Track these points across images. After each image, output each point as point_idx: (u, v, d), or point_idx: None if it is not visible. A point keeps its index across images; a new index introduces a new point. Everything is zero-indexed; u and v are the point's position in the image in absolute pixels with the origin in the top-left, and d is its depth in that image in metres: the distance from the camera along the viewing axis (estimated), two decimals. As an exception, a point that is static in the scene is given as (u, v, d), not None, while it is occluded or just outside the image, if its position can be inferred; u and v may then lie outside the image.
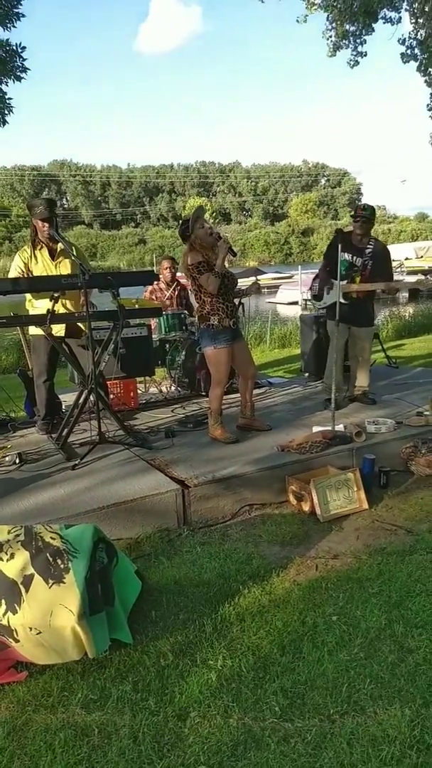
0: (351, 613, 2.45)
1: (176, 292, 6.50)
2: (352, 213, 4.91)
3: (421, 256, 27.36)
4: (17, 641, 2.18)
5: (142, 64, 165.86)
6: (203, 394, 5.61)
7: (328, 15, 9.76)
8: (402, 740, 1.78)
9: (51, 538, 2.34)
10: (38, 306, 4.33)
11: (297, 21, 9.77)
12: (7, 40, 7.79)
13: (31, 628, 2.16)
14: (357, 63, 10.34)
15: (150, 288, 6.38)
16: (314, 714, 1.92)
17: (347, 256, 4.73)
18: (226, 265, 4.08)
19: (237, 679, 2.10)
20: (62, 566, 2.26)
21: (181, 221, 4.22)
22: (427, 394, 5.20)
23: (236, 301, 4.33)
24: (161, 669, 2.18)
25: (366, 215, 4.77)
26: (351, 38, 10.09)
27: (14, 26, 7.76)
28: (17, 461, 3.98)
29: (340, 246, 4.26)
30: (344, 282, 4.69)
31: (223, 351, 4.07)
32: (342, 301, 4.67)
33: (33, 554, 2.29)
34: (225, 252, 3.96)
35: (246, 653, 2.24)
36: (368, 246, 4.79)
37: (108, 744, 1.84)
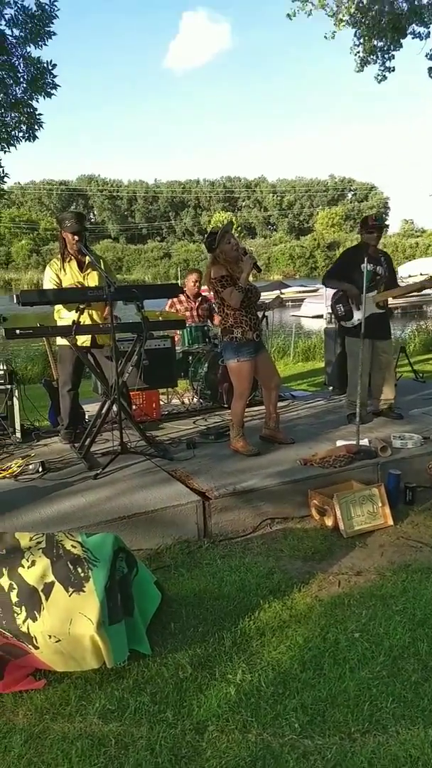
0: (374, 630, 2.40)
1: (197, 303, 6.53)
2: (364, 225, 4.82)
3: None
4: (36, 648, 2.18)
5: (172, 80, 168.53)
6: (225, 406, 5.60)
7: (356, 31, 9.80)
8: (425, 761, 1.73)
9: (72, 546, 2.35)
10: (65, 317, 4.40)
11: (325, 37, 9.84)
12: (39, 57, 7.98)
13: (50, 636, 2.16)
14: (385, 78, 10.34)
15: (169, 302, 6.43)
16: (335, 732, 1.88)
17: (369, 266, 4.69)
18: (250, 279, 4.09)
19: (256, 694, 2.07)
20: (82, 575, 2.26)
21: (208, 233, 4.24)
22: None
23: (260, 314, 4.34)
24: (179, 681, 2.16)
25: (380, 225, 4.84)
26: (379, 53, 10.12)
27: (45, 44, 7.96)
28: (40, 470, 4.02)
29: (366, 258, 4.27)
30: (374, 293, 4.66)
31: (245, 364, 4.07)
32: (377, 311, 4.67)
33: (54, 562, 2.30)
34: (250, 267, 3.98)
35: (266, 668, 2.21)
36: (381, 255, 4.81)
37: (125, 755, 1.83)
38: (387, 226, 4.94)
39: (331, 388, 6.40)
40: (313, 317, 20.85)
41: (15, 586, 2.28)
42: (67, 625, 2.16)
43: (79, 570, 2.27)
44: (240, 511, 3.50)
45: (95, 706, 2.05)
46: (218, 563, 3.04)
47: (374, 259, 4.75)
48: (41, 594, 2.25)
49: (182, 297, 6.45)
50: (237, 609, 2.60)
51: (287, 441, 4.36)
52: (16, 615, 2.24)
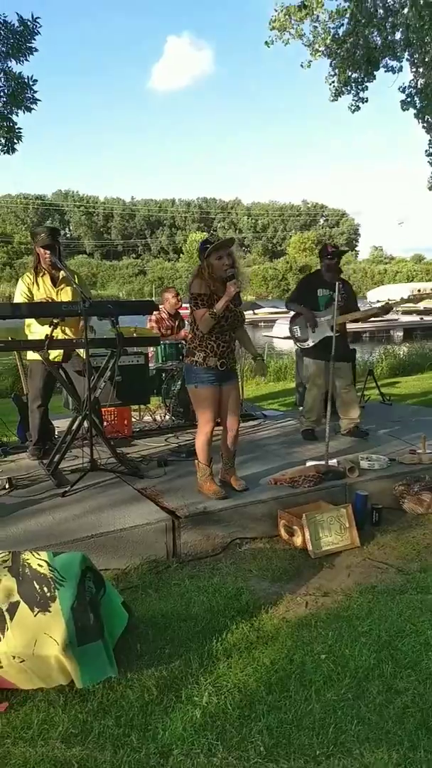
0: (340, 651, 2.41)
1: (176, 322, 6.56)
2: (323, 253, 5.09)
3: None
4: (0, 668, 2.13)
5: (153, 100, 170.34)
6: (197, 424, 5.60)
7: (331, 62, 10.10)
8: (389, 785, 1.74)
9: (38, 565, 2.31)
10: (36, 331, 4.36)
11: (301, 66, 10.12)
12: (20, 73, 8.01)
13: (14, 657, 2.12)
14: (358, 108, 10.65)
15: (154, 317, 6.43)
16: (300, 755, 1.87)
17: (325, 291, 4.93)
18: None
19: (222, 717, 2.05)
20: (48, 594, 2.23)
21: (204, 240, 3.81)
22: (420, 432, 5.21)
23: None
24: (145, 704, 2.13)
25: (339, 252, 5.07)
26: (353, 84, 10.43)
27: (27, 60, 8.00)
28: (7, 486, 3.95)
29: (312, 283, 4.47)
30: (328, 317, 4.83)
31: (203, 391, 3.69)
32: (330, 333, 4.78)
33: (20, 581, 2.26)
34: (229, 297, 3.56)
35: (232, 690, 2.19)
36: (339, 282, 4.94)
37: (87, 781, 1.79)
38: (345, 251, 5.15)
39: (301, 408, 6.46)
40: (285, 338, 21.08)
41: (-22, 605, 2.23)
42: (32, 645, 2.12)
43: (45, 589, 2.24)
44: (209, 531, 3.49)
45: (58, 729, 2.00)
46: (186, 584, 3.02)
47: (329, 285, 4.91)
48: (5, 614, 2.20)
49: (164, 315, 6.47)
50: (204, 630, 2.58)
51: (238, 487, 3.87)
52: (-22, 635, 2.19)
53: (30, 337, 4.41)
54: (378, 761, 1.83)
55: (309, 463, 4.24)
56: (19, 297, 4.42)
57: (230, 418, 3.88)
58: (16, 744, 1.95)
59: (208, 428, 3.75)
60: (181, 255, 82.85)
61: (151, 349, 6.27)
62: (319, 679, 2.24)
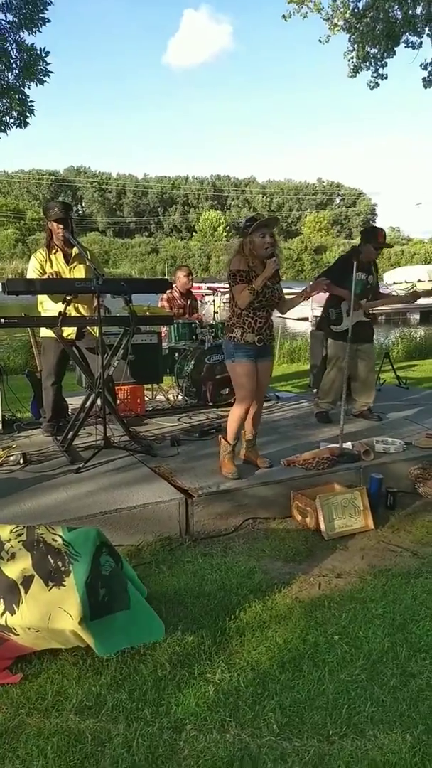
0: (353, 633, 2.41)
1: (188, 302, 6.52)
2: (372, 238, 4.84)
3: (433, 279, 27.45)
4: (17, 635, 2.16)
5: (169, 76, 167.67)
6: (210, 404, 5.59)
7: (350, 36, 9.84)
8: (402, 766, 1.74)
9: (53, 539, 2.31)
10: (49, 308, 4.34)
11: (319, 41, 9.86)
12: (32, 44, 7.89)
13: (29, 628, 2.13)
14: (377, 85, 10.39)
15: (166, 296, 6.38)
16: (313, 734, 1.88)
17: (362, 276, 4.76)
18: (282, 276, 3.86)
19: (235, 694, 2.06)
20: (63, 569, 2.23)
21: (250, 217, 3.81)
22: (435, 416, 5.17)
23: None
24: (158, 679, 2.14)
25: (387, 245, 4.88)
26: (372, 60, 10.17)
27: (39, 31, 7.86)
28: (21, 461, 3.96)
29: (356, 265, 4.27)
30: (364, 301, 4.75)
31: (240, 366, 3.75)
32: (364, 319, 4.73)
33: (34, 555, 2.26)
34: (269, 273, 3.61)
35: (245, 668, 2.20)
36: (371, 265, 4.88)
37: (101, 752, 1.81)
38: (391, 246, 4.91)
39: (315, 390, 6.42)
40: (298, 319, 20.95)
41: (-6, 578, 2.24)
42: (47, 619, 2.13)
43: (60, 564, 2.24)
44: (222, 511, 3.49)
45: (72, 701, 2.02)
46: (199, 561, 3.03)
47: (366, 268, 4.80)
48: (20, 587, 2.21)
49: (176, 294, 6.42)
50: (217, 608, 2.59)
51: (262, 465, 3.91)
52: (-6, 608, 2.21)
53: (43, 314, 4.40)
54: (392, 743, 1.83)
55: (323, 446, 4.22)
56: (32, 273, 4.39)
57: (257, 396, 3.90)
58: (31, 714, 1.97)
59: (244, 405, 3.79)
60: (194, 233, 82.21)
61: (164, 328, 6.24)
62: (333, 660, 2.24)
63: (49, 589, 2.20)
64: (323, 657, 2.26)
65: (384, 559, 3.13)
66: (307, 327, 16.34)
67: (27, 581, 2.23)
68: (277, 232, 3.76)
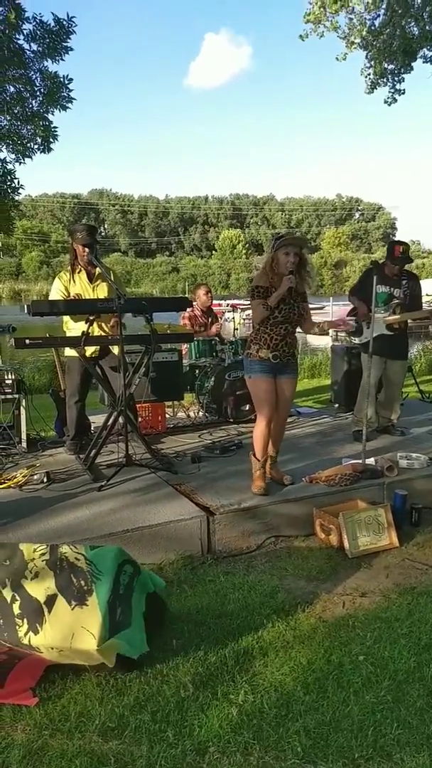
0: (379, 653, 2.37)
1: (209, 319, 6.56)
2: (391, 255, 4.79)
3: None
4: (40, 653, 2.17)
5: (189, 98, 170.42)
6: (231, 420, 5.59)
7: (367, 53, 9.93)
8: (431, 792, 1.69)
9: (75, 558, 2.33)
10: (73, 328, 4.41)
11: (336, 59, 9.97)
12: (56, 72, 8.14)
13: (52, 648, 2.14)
14: (395, 101, 10.44)
15: (187, 314, 6.43)
16: (338, 757, 1.84)
17: (385, 288, 4.73)
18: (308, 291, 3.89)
19: (258, 716, 2.03)
20: (86, 588, 2.24)
21: (278, 234, 3.88)
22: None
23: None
24: (181, 700, 2.12)
25: (406, 257, 4.76)
26: (389, 76, 10.23)
27: (62, 59, 8.12)
28: (45, 480, 4.01)
29: (375, 277, 4.23)
30: (386, 314, 4.69)
31: (257, 382, 3.75)
32: (387, 332, 4.67)
33: (57, 574, 2.28)
34: (284, 290, 3.60)
35: (269, 689, 2.17)
36: (403, 278, 4.79)
37: (124, 775, 1.79)
38: (409, 257, 4.75)
39: (337, 405, 6.39)
40: (319, 334, 20.93)
41: (17, 597, 2.26)
42: (69, 639, 2.14)
43: (83, 583, 2.25)
44: (244, 529, 3.47)
45: (95, 723, 2.01)
46: (221, 580, 3.01)
47: (392, 281, 4.76)
48: (44, 606, 2.23)
49: (197, 312, 6.46)
50: (240, 628, 2.57)
51: (282, 482, 3.90)
52: (17, 627, 2.23)
53: (68, 334, 4.47)
54: (419, 766, 1.78)
55: (345, 462, 4.18)
56: (56, 294, 4.47)
57: (278, 411, 3.87)
58: (54, 736, 1.97)
59: (264, 422, 3.78)
60: (214, 252, 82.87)
61: (185, 346, 6.28)
62: (358, 681, 2.20)
63: (72, 609, 2.21)
64: (348, 678, 2.22)
65: (409, 577, 3.08)
66: (327, 342, 16.28)
67: (50, 600, 2.24)
68: (306, 252, 3.78)
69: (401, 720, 2.00)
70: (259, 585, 2.94)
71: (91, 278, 4.51)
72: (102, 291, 4.50)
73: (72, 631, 2.17)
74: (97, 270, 4.45)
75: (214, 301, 6.97)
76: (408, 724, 1.98)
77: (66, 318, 4.49)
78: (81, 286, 4.48)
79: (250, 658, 2.36)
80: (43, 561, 2.32)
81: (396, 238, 5.25)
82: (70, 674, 2.26)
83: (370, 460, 4.12)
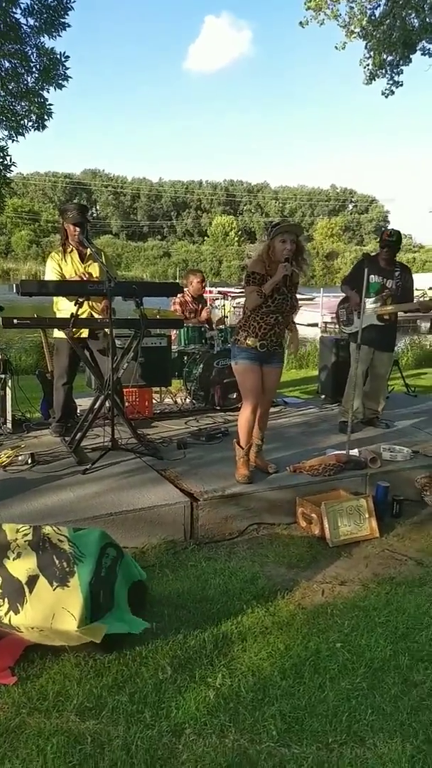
0: (355, 641, 2.40)
1: (200, 306, 6.54)
2: (380, 238, 4.92)
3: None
4: (20, 633, 2.18)
5: (187, 81, 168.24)
6: (218, 408, 5.60)
7: (366, 44, 9.86)
8: (401, 777, 1.73)
9: (59, 540, 2.33)
10: (63, 308, 4.38)
11: (336, 48, 9.89)
12: (52, 48, 7.98)
13: (33, 627, 2.15)
14: (392, 92, 10.39)
15: (178, 300, 6.40)
16: (312, 741, 1.87)
17: (377, 278, 4.75)
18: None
19: (235, 699, 2.06)
20: (68, 569, 2.25)
21: (275, 222, 3.83)
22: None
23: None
24: (159, 682, 2.14)
25: (391, 241, 4.77)
26: (388, 68, 10.18)
27: (59, 35, 7.96)
28: (30, 461, 3.99)
29: (367, 269, 4.24)
30: (377, 305, 4.71)
31: (242, 367, 3.77)
32: (377, 323, 4.69)
33: (39, 555, 2.29)
34: (279, 277, 3.58)
35: (246, 673, 2.20)
36: (396, 269, 4.81)
37: (100, 754, 1.81)
38: (396, 243, 4.77)
39: (323, 396, 6.42)
40: (308, 325, 20.92)
41: (-1, 577, 2.26)
42: (50, 619, 2.15)
43: (65, 564, 2.26)
44: (227, 515, 3.49)
45: (73, 702, 2.03)
46: (203, 565, 3.04)
47: (385, 271, 4.78)
48: (25, 587, 2.23)
49: (188, 298, 6.43)
50: (219, 612, 2.59)
51: (267, 470, 3.93)
52: (-2, 607, 2.23)
53: (58, 315, 4.44)
54: (392, 752, 1.82)
55: (329, 452, 4.21)
56: (51, 274, 4.43)
57: (262, 400, 3.88)
58: (32, 714, 1.99)
59: (249, 409, 3.79)
60: (206, 238, 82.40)
61: (173, 332, 6.26)
62: (334, 668, 2.23)
63: (54, 590, 2.22)
64: (324, 664, 2.25)
65: (388, 567, 3.12)
66: (316, 333, 16.32)
67: (32, 581, 2.25)
68: (302, 240, 3.75)
69: (375, 706, 2.04)
70: (240, 571, 2.97)
71: (83, 258, 4.48)
72: (94, 270, 4.48)
73: (53, 611, 2.18)
74: (89, 250, 4.41)
75: (208, 288, 6.95)
76: (382, 710, 2.02)
77: (57, 299, 4.45)
78: (73, 266, 4.44)
79: (229, 643, 2.39)
80: (25, 541, 2.32)
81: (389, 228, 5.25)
82: (49, 654, 2.28)
83: (354, 452, 4.16)
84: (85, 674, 2.19)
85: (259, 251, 3.83)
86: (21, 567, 2.27)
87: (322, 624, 2.53)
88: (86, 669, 2.21)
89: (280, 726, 1.94)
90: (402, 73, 10.09)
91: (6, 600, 2.24)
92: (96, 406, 4.19)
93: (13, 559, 2.28)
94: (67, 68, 8.09)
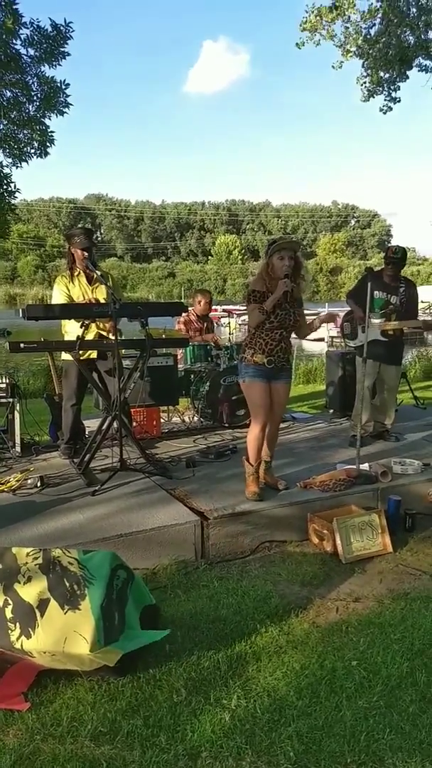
0: (372, 659, 2.37)
1: (205, 325, 6.56)
2: (385, 255, 4.97)
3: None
4: (33, 658, 2.16)
5: (187, 104, 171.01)
6: (225, 425, 5.60)
7: (363, 62, 10.00)
8: (423, 797, 1.69)
9: (69, 563, 2.32)
10: (70, 331, 4.42)
11: (333, 67, 10.04)
12: (53, 77, 8.15)
13: (45, 652, 2.13)
14: (390, 109, 10.50)
15: (183, 319, 6.43)
16: (331, 762, 1.84)
17: (381, 294, 4.77)
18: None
19: (251, 721, 2.03)
20: (78, 592, 2.24)
21: (272, 240, 3.85)
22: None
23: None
24: (173, 705, 2.12)
25: (396, 258, 4.81)
26: (385, 85, 10.31)
27: (60, 64, 8.13)
28: (39, 484, 3.99)
29: (370, 284, 4.26)
30: (381, 320, 4.72)
31: (251, 386, 3.76)
32: (381, 338, 4.70)
33: (50, 579, 2.28)
34: (279, 294, 3.59)
35: (261, 694, 2.17)
36: (401, 285, 4.83)
37: (116, 780, 1.79)
38: (401, 260, 4.80)
39: (331, 411, 6.40)
40: (314, 340, 20.94)
41: (10, 602, 2.25)
42: (62, 643, 2.14)
43: (75, 587, 2.25)
44: (238, 533, 3.47)
45: (87, 727, 2.01)
46: (215, 585, 3.01)
47: (389, 287, 4.80)
48: (36, 611, 2.22)
49: (192, 317, 6.47)
50: (233, 633, 2.56)
51: (277, 487, 3.89)
52: (10, 632, 2.22)
53: (66, 338, 4.47)
54: (411, 772, 1.78)
55: (340, 467, 4.19)
56: (59, 297, 4.48)
57: (271, 417, 3.87)
58: (46, 740, 1.96)
59: (258, 427, 3.78)
60: (210, 257, 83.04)
61: (179, 351, 6.28)
62: (351, 686, 2.20)
63: (65, 613, 2.21)
64: (341, 683, 2.22)
65: (403, 582, 3.08)
66: (323, 347, 16.31)
67: (43, 605, 2.24)
68: (300, 255, 3.79)
69: (394, 725, 2.00)
70: (252, 590, 2.94)
71: (90, 280, 4.53)
72: (101, 293, 4.52)
73: (64, 635, 2.16)
74: (96, 272, 4.46)
75: (214, 306, 6.98)
76: (400, 729, 1.98)
77: (64, 322, 4.49)
78: (80, 289, 4.49)
79: (243, 663, 2.36)
80: (35, 565, 2.31)
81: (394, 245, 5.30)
82: (62, 679, 2.26)
83: (365, 466, 4.13)
84: (99, 698, 2.16)
85: (258, 269, 3.87)
86: (32, 591, 2.26)
87: (338, 642, 2.50)
88: (100, 693, 2.19)
89: (298, 747, 1.90)
90: (399, 89, 10.22)
91: (17, 624, 2.22)
92: (104, 426, 4.20)
93: (24, 583, 2.28)
94: (67, 96, 8.24)
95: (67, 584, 2.25)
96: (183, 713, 2.07)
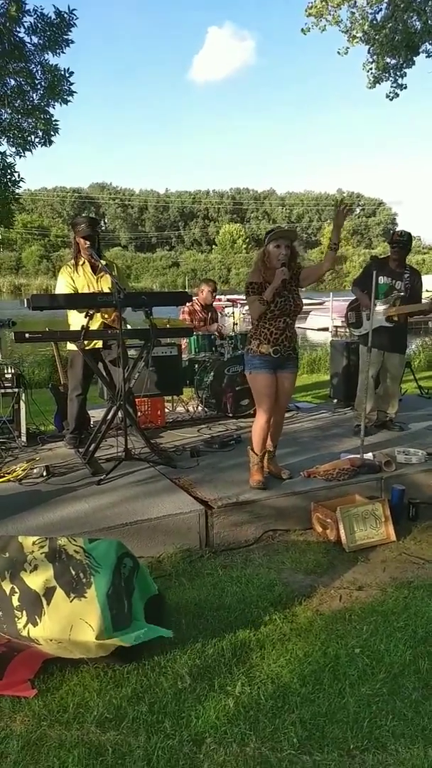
0: (375, 646, 2.39)
1: (209, 314, 6.56)
2: (389, 239, 4.94)
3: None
4: (39, 645, 2.19)
5: (192, 92, 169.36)
6: (230, 415, 5.61)
7: (369, 48, 9.89)
8: (425, 783, 1.71)
9: (75, 551, 2.34)
10: (76, 322, 4.41)
11: (338, 53, 9.92)
12: (56, 65, 8.10)
13: (51, 639, 2.15)
14: (396, 95, 10.39)
15: (187, 309, 6.43)
16: (333, 748, 1.86)
17: (386, 280, 4.75)
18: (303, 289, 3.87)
19: (255, 707, 2.05)
20: (84, 580, 2.26)
21: (268, 230, 3.86)
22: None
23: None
24: (178, 692, 2.14)
25: (402, 241, 4.79)
26: (391, 71, 10.19)
27: (63, 52, 8.08)
28: (44, 474, 4.02)
29: (375, 272, 4.24)
30: (386, 306, 4.70)
31: (257, 377, 3.76)
32: (386, 324, 4.68)
33: (56, 566, 2.29)
34: (277, 283, 3.61)
35: (265, 681, 2.19)
36: (406, 272, 4.81)
37: (121, 765, 1.81)
38: (407, 244, 4.79)
39: (335, 400, 6.39)
40: (319, 330, 20.89)
41: (16, 590, 2.28)
42: (68, 631, 2.16)
43: (81, 576, 2.27)
44: (242, 522, 3.49)
45: (93, 714, 2.03)
46: (219, 573, 3.03)
47: (394, 273, 4.78)
48: (42, 599, 2.24)
49: (197, 307, 6.47)
50: (237, 620, 2.59)
51: (281, 476, 3.91)
52: (16, 619, 2.25)
53: (71, 328, 4.48)
54: (414, 758, 1.80)
55: (344, 456, 4.20)
56: (65, 288, 4.47)
57: (276, 406, 3.87)
58: (52, 726, 1.99)
59: (264, 417, 3.78)
60: (214, 246, 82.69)
61: (184, 341, 6.28)
62: (354, 673, 2.22)
63: (71, 601, 2.23)
64: (344, 670, 2.24)
65: (406, 571, 3.10)
66: (327, 337, 16.28)
67: (49, 593, 2.26)
68: (297, 244, 3.78)
69: (396, 712, 2.02)
70: (256, 578, 2.96)
71: (95, 269, 4.52)
72: (106, 283, 4.51)
73: (71, 623, 2.19)
74: (101, 261, 4.45)
75: (218, 296, 6.97)
76: (403, 716, 2.00)
77: (69, 312, 4.49)
78: (85, 278, 4.49)
79: (247, 651, 2.38)
80: (42, 553, 2.33)
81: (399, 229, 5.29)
82: (68, 666, 2.28)
83: (368, 455, 4.13)
84: (105, 685, 2.19)
85: (255, 259, 3.86)
86: (38, 579, 2.28)
87: (341, 630, 2.52)
88: (105, 680, 2.21)
89: (301, 733, 1.92)
90: (405, 75, 10.10)
91: (24, 612, 2.25)
92: (109, 416, 4.21)
93: (30, 572, 2.30)
94: (71, 84, 8.20)
95: (73, 572, 2.27)
96: (188, 700, 2.10)
